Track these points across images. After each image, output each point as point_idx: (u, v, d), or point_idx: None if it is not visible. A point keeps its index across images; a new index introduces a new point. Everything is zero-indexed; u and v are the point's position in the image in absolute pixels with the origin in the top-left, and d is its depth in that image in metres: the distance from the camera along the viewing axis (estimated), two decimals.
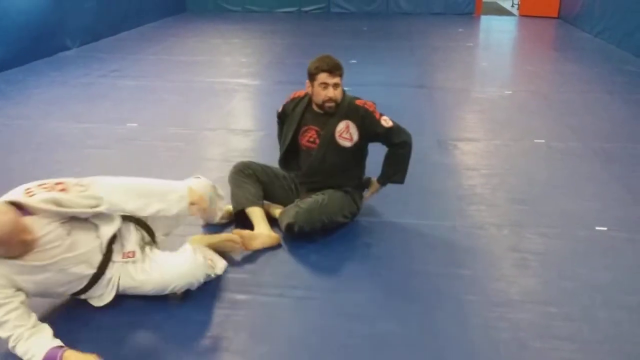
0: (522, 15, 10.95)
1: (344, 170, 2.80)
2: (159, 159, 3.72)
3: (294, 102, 2.90)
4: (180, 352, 2.03)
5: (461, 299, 2.31)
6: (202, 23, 9.74)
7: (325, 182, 2.80)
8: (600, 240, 2.76)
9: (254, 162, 2.88)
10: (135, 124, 4.40)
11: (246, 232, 2.57)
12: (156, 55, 7.16)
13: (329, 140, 2.75)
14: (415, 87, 5.66)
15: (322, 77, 2.67)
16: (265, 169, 2.88)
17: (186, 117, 4.65)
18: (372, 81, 5.65)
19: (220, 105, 5.03)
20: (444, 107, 5.04)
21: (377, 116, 2.74)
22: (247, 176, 2.81)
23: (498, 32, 9.92)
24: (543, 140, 4.10)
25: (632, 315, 2.21)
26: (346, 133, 2.74)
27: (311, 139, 2.81)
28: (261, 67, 6.67)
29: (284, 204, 2.84)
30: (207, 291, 2.31)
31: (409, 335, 2.11)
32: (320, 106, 2.73)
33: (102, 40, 8.00)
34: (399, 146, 2.78)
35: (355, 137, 2.75)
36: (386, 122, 2.74)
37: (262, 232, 2.62)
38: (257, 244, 2.58)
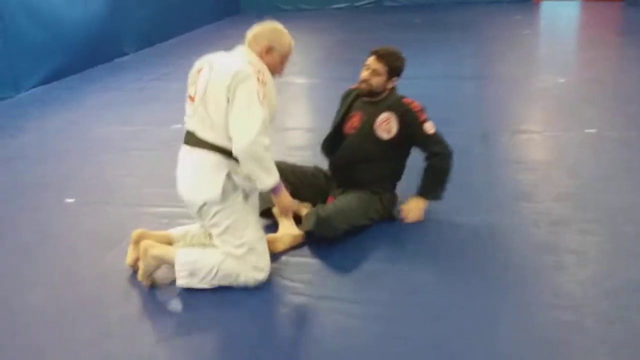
0: (585, 0, 10.43)
1: (376, 164, 2.75)
2: None
3: (354, 88, 2.90)
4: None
5: (491, 299, 2.21)
6: (255, 23, 9.75)
7: (355, 175, 2.76)
8: None
9: (284, 162, 2.85)
10: (179, 125, 4.47)
11: (269, 236, 2.56)
12: None
13: (368, 127, 2.74)
14: (465, 78, 5.50)
15: (367, 60, 2.75)
16: (294, 169, 2.86)
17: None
18: (422, 74, 5.53)
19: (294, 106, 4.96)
20: (494, 98, 4.86)
21: (421, 118, 2.70)
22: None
23: (558, 18, 9.48)
24: (594, 130, 3.87)
25: None
26: (386, 124, 2.71)
27: (354, 125, 2.80)
28: (311, 64, 6.65)
29: (313, 201, 2.82)
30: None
31: (431, 338, 2.04)
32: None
33: (157, 45, 8.26)
34: (436, 158, 2.73)
35: (394, 130, 2.70)
36: (429, 128, 2.71)
37: (285, 233, 2.61)
38: (281, 245, 2.57)
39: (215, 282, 2.30)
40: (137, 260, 2.43)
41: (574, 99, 4.68)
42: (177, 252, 2.34)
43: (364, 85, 2.74)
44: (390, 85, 2.76)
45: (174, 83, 5.89)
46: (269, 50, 2.36)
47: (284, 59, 2.41)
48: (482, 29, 8.19)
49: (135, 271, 2.44)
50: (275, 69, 2.41)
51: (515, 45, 7.03)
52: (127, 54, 7.65)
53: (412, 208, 2.78)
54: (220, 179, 2.23)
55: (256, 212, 2.51)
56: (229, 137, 2.20)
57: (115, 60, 7.31)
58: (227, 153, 2.23)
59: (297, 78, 5.87)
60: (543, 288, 2.25)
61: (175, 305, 2.28)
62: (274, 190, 2.29)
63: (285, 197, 2.35)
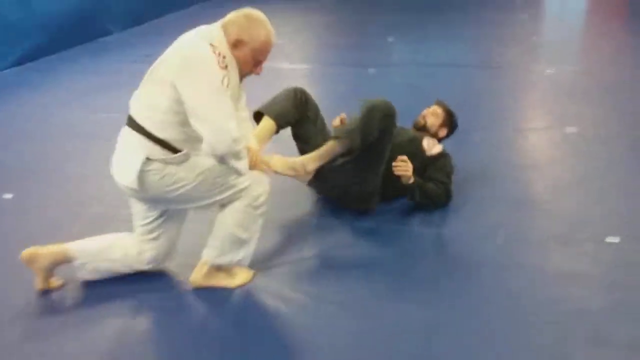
0: None
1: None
2: None
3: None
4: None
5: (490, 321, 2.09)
6: (250, 3, 9.52)
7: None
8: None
9: (312, 99, 2.87)
10: None
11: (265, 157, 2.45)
12: None
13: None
14: (445, 65, 5.30)
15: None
16: (317, 109, 2.89)
17: None
18: (409, 60, 5.36)
19: (266, 93, 4.71)
20: (472, 89, 4.68)
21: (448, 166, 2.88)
22: (296, 99, 2.77)
23: (563, 2, 9.18)
24: (575, 129, 3.71)
25: None
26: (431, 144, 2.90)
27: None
28: (300, 48, 6.41)
29: (313, 145, 2.74)
30: None
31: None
32: None
33: (147, 24, 8.00)
34: (441, 184, 2.77)
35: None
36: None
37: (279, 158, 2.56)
38: (278, 164, 2.53)
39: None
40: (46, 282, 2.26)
41: (558, 93, 4.49)
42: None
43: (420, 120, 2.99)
44: (441, 134, 3.00)
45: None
46: (238, 43, 2.07)
47: (257, 55, 2.11)
48: (479, 11, 7.93)
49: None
50: (246, 66, 2.12)
51: (508, 31, 6.80)
52: (112, 33, 7.44)
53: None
54: (137, 163, 2.05)
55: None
56: (160, 122, 2.04)
57: (99, 39, 7.11)
58: (152, 137, 2.05)
59: (285, 63, 5.69)
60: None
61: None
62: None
63: (255, 167, 2.23)
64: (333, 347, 1.97)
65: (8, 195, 3.12)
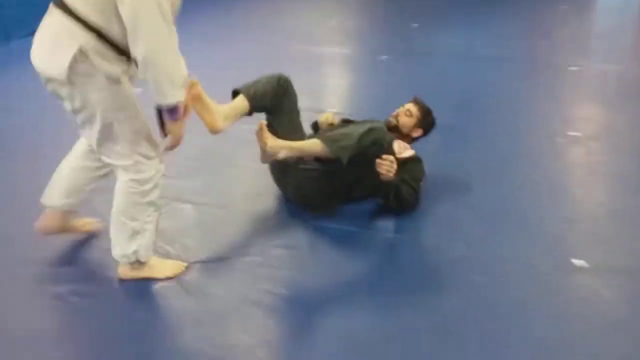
0: None
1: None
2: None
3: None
4: None
5: None
6: None
7: None
8: None
9: (293, 91, 2.73)
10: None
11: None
12: (228, 13, 7.00)
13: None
14: (472, 58, 5.01)
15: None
16: (295, 102, 2.75)
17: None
18: (438, 49, 5.11)
19: (305, 81, 4.31)
20: (482, 82, 4.42)
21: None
22: (277, 85, 2.64)
23: None
24: (578, 134, 3.45)
25: None
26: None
27: None
28: (343, 33, 6.13)
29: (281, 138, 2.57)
30: None
31: None
32: None
33: None
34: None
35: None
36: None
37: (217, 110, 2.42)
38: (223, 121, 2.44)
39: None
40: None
41: (574, 91, 4.18)
42: None
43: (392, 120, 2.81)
44: (415, 134, 2.84)
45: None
46: None
47: None
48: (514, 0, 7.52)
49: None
50: None
51: (544, 22, 6.42)
52: None
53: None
54: (69, 52, 1.80)
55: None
56: (100, 10, 1.79)
57: None
58: (89, 27, 1.80)
59: (328, 47, 5.50)
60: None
61: None
62: (173, 112, 1.90)
63: (181, 127, 1.99)
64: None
65: None
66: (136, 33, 1.76)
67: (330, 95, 4.37)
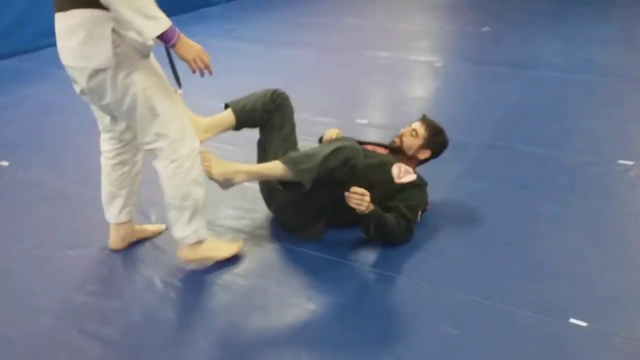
0: None
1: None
2: None
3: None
4: None
5: None
6: None
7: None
8: None
9: (288, 107, 2.52)
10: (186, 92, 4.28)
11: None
12: (306, 15, 6.97)
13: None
14: (550, 69, 4.56)
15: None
16: (287, 118, 2.52)
17: (334, 103, 4.03)
18: (507, 59, 4.72)
19: (386, 92, 4.27)
20: (549, 94, 3.97)
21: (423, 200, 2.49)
22: (269, 100, 2.47)
23: None
24: (632, 162, 2.98)
25: None
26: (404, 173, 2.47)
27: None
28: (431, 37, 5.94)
29: (270, 155, 2.48)
30: None
31: None
32: None
33: None
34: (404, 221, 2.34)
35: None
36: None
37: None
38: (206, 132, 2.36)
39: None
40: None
41: None
42: None
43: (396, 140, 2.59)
44: (422, 156, 2.58)
45: (230, 42, 5.69)
46: None
47: None
48: (610, 5, 6.81)
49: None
50: None
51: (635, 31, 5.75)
52: (217, 4, 7.54)
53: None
54: (106, 38, 1.85)
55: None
56: None
57: (202, 9, 7.25)
58: (101, 6, 1.83)
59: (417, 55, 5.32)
60: None
61: None
62: (167, 36, 1.84)
63: (189, 44, 1.91)
64: None
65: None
66: None
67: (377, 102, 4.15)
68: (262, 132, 2.54)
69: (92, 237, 2.48)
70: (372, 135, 3.45)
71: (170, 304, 2.10)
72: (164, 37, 1.85)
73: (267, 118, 2.48)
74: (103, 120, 2.23)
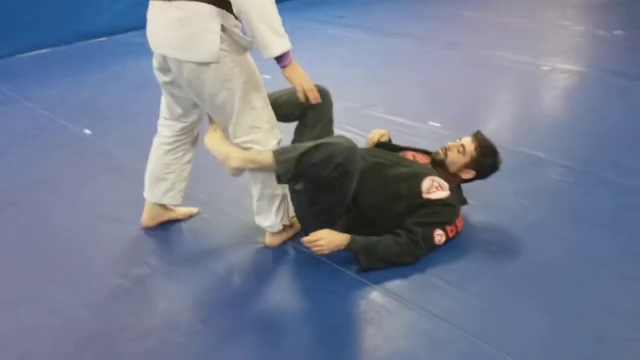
0: None
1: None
2: None
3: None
4: None
5: None
6: None
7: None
8: None
9: (325, 105, 2.34)
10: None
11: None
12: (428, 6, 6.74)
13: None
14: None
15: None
16: (322, 117, 2.38)
17: (415, 104, 3.77)
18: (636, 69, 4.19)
19: (524, 107, 3.80)
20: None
21: (446, 224, 2.27)
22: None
23: None
24: None
25: None
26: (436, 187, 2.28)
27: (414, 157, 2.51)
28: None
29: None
30: None
31: None
32: None
33: None
34: (410, 240, 2.17)
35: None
36: (437, 236, 2.23)
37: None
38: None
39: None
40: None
41: None
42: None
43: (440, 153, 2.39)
44: (466, 176, 2.37)
45: (334, 29, 5.64)
46: None
47: None
48: None
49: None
50: None
51: None
52: None
53: (326, 237, 2.13)
54: (215, 33, 1.88)
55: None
56: None
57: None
58: (219, 3, 1.87)
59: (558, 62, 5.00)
60: None
61: None
62: (283, 57, 1.90)
63: (298, 70, 1.97)
64: None
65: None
66: None
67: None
68: (296, 131, 2.44)
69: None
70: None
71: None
72: (280, 57, 1.90)
73: (299, 114, 2.38)
74: (173, 109, 2.26)
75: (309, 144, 2.05)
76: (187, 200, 2.60)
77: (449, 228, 2.24)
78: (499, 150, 2.39)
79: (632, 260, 2.21)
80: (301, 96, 2.02)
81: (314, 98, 2.03)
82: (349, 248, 2.13)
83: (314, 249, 2.11)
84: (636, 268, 2.17)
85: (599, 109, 3.67)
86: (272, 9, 1.85)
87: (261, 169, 2.13)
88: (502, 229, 2.44)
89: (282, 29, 1.87)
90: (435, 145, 2.60)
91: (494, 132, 3.24)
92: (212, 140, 2.18)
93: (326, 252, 2.10)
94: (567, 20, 5.80)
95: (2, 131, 3.57)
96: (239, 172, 2.18)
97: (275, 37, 1.85)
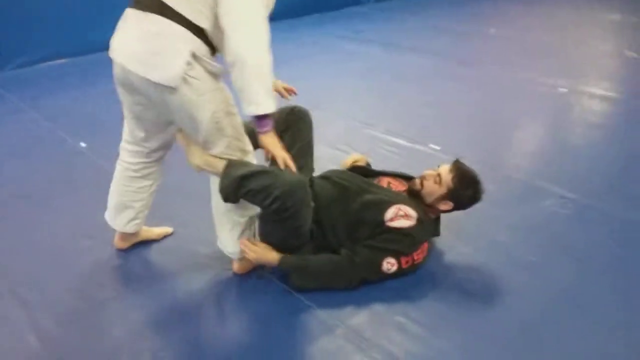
0: None
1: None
2: None
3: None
4: None
5: None
6: None
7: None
8: None
9: (304, 124, 2.33)
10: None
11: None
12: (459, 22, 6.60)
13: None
14: None
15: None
16: (299, 135, 2.33)
17: (415, 126, 3.60)
18: None
19: (533, 131, 3.66)
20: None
21: (403, 253, 2.11)
22: (289, 113, 2.34)
23: None
24: None
25: None
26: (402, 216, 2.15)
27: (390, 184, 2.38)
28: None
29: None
30: None
31: None
32: None
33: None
34: (348, 257, 2.08)
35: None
36: (387, 265, 2.08)
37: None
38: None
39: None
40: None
41: None
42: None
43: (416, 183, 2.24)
44: (443, 207, 2.21)
45: (351, 44, 5.54)
46: None
47: None
48: None
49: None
50: None
51: None
52: (365, 3, 7.42)
53: (260, 251, 2.09)
54: (182, 57, 1.77)
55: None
56: (202, 12, 1.79)
57: (348, 8, 7.18)
58: (197, 30, 1.80)
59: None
60: None
61: None
62: (265, 120, 1.86)
63: (275, 139, 1.94)
64: None
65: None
66: (236, 33, 1.74)
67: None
68: None
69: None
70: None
71: None
72: (262, 119, 1.85)
73: (281, 131, 2.27)
74: (135, 133, 2.14)
75: (257, 168, 1.96)
76: (163, 220, 2.54)
77: (403, 259, 2.09)
78: (507, 177, 2.22)
79: (630, 309, 2.00)
80: (282, 166, 1.93)
81: (292, 167, 1.94)
82: (279, 265, 2.06)
83: (244, 254, 2.10)
84: (634, 320, 1.95)
85: (617, 135, 3.45)
86: (269, 65, 1.79)
87: (216, 174, 2.05)
88: (486, 265, 2.27)
89: (272, 90, 1.82)
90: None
91: (496, 157, 3.11)
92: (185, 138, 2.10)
93: (252, 260, 2.10)
94: (597, 39, 5.56)
95: (0, 141, 3.59)
96: (198, 169, 2.10)
97: (265, 97, 1.79)
